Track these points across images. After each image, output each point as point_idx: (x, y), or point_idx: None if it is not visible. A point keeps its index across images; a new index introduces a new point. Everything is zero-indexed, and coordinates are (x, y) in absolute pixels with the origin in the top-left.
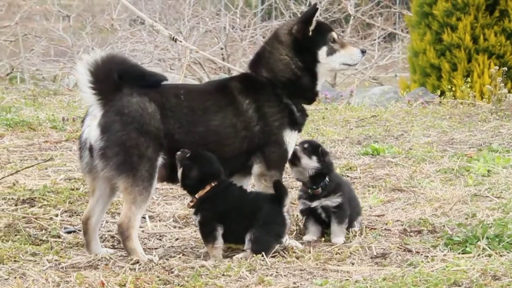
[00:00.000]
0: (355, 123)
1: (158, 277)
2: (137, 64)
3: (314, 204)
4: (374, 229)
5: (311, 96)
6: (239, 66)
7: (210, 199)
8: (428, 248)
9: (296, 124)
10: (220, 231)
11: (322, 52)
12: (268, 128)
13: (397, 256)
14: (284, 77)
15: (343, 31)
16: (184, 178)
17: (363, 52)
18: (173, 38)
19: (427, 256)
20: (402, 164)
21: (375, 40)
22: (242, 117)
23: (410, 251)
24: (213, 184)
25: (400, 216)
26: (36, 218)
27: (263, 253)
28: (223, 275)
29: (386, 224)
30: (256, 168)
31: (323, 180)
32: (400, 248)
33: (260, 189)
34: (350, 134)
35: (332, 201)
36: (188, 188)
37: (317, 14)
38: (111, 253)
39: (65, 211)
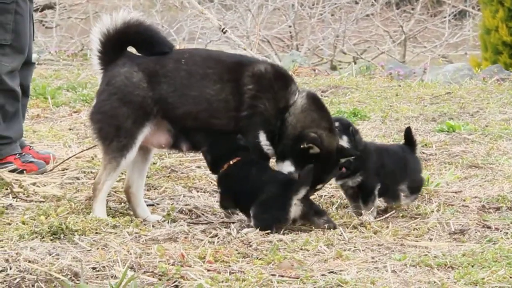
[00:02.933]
0: (429, 100)
1: (236, 250)
2: (150, 34)
3: (339, 182)
4: (452, 205)
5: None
6: (307, 44)
7: (225, 177)
8: (508, 225)
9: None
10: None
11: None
12: (253, 118)
13: (476, 232)
14: (295, 131)
15: (412, 9)
16: (206, 157)
17: None
18: (222, 30)
19: (507, 233)
20: (478, 141)
21: (445, 17)
22: (237, 97)
23: (489, 227)
24: (231, 162)
25: (478, 193)
26: (115, 192)
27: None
28: (301, 249)
29: (464, 200)
30: None
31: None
32: (479, 225)
33: None
34: (424, 111)
35: (353, 181)
36: (210, 165)
37: None
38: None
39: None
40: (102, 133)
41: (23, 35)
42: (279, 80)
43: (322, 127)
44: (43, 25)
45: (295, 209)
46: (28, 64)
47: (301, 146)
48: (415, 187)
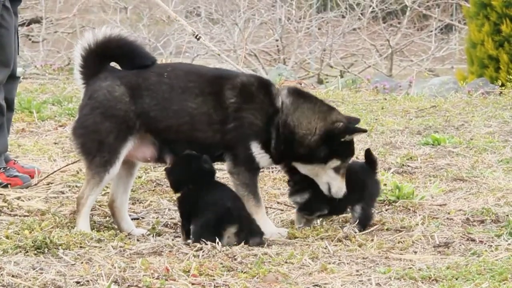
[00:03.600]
0: (414, 114)
1: (221, 263)
2: (131, 48)
3: (291, 198)
4: (437, 218)
5: (285, 157)
6: (294, 58)
7: (180, 201)
8: (492, 238)
9: (268, 151)
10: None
11: (332, 163)
12: (241, 130)
13: (460, 245)
14: (295, 128)
15: (399, 23)
16: (168, 177)
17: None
18: (196, 36)
19: (491, 246)
20: (463, 154)
21: (431, 31)
22: (221, 110)
23: (473, 240)
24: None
25: (463, 206)
26: (100, 206)
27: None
28: (286, 262)
29: (449, 213)
30: (227, 165)
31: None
32: (463, 238)
33: (233, 187)
34: (410, 124)
35: (301, 197)
36: (171, 186)
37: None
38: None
39: (129, 199)
40: (84, 148)
41: (8, 49)
42: (260, 88)
43: (335, 115)
44: (30, 39)
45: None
46: (12, 78)
47: (342, 140)
48: (367, 210)
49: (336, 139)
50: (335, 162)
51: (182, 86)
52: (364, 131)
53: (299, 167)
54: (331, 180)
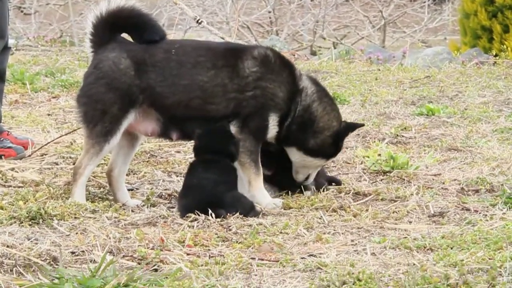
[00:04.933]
0: (408, 84)
1: (216, 234)
2: (142, 20)
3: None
4: (431, 188)
5: (289, 138)
6: (287, 30)
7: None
8: (487, 207)
9: (280, 125)
10: None
11: (330, 160)
12: (261, 100)
13: (455, 214)
14: (310, 117)
15: None
16: (195, 140)
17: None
18: (197, 21)
19: (486, 215)
20: (457, 124)
21: (424, 2)
22: (238, 79)
23: (468, 209)
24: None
25: (457, 176)
26: (94, 177)
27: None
28: (281, 232)
29: (443, 183)
30: (232, 131)
31: None
32: (458, 207)
33: None
34: (404, 95)
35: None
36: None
37: None
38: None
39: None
40: (87, 116)
41: (2, 19)
42: (283, 63)
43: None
44: (22, 11)
45: None
46: (4, 48)
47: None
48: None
49: (341, 139)
50: (330, 160)
51: (192, 61)
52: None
53: (293, 153)
54: (312, 173)
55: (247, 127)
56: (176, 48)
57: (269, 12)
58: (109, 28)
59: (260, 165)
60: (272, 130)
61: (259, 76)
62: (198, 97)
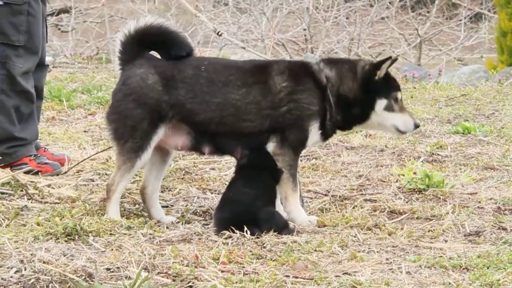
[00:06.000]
0: (444, 102)
1: (250, 251)
2: (170, 37)
3: None
4: (467, 207)
5: (346, 124)
6: (322, 47)
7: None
8: None
9: (322, 128)
10: None
11: (381, 104)
12: (297, 112)
13: (491, 234)
14: (344, 92)
15: (428, 12)
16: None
17: (417, 126)
18: (217, 33)
19: None
20: (494, 143)
21: (461, 20)
22: (271, 96)
23: (504, 229)
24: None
25: (494, 195)
26: (129, 193)
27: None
28: (315, 250)
29: (479, 202)
30: (271, 146)
31: None
32: (494, 226)
33: None
34: (439, 113)
35: None
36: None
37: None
38: (201, 227)
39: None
40: (117, 133)
41: (36, 36)
42: (305, 70)
43: (362, 62)
44: (59, 29)
45: None
46: (41, 66)
47: (376, 78)
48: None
49: (371, 81)
50: (383, 102)
51: (223, 79)
52: (391, 58)
53: (358, 128)
54: (392, 121)
55: (286, 141)
56: (205, 65)
57: (304, 29)
58: (137, 45)
59: (298, 181)
60: (314, 137)
61: (290, 90)
62: (231, 115)
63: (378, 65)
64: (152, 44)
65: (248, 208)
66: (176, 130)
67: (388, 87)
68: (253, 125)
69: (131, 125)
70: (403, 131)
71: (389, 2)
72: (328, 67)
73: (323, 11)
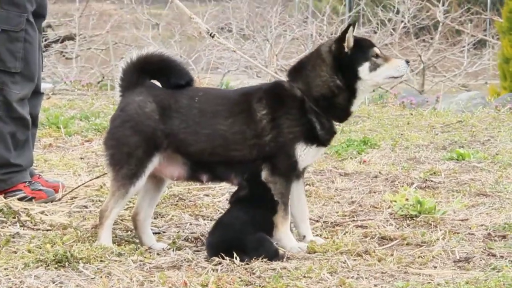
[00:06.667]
0: (440, 129)
1: (240, 278)
2: (170, 65)
3: None
4: (458, 233)
5: (342, 114)
6: None
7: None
8: None
9: (315, 140)
10: None
11: (364, 69)
12: (281, 139)
13: (481, 260)
14: (319, 93)
15: (431, 38)
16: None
17: (408, 62)
18: (210, 34)
19: None
20: (487, 169)
21: (464, 47)
22: (254, 125)
23: (494, 255)
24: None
25: (485, 221)
26: (121, 220)
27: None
28: (304, 276)
29: (470, 228)
30: (263, 173)
31: None
32: (484, 253)
33: None
34: (435, 140)
35: None
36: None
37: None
38: (191, 254)
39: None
40: (113, 159)
41: (32, 63)
42: (278, 90)
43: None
44: (64, 55)
45: None
46: (37, 93)
47: (346, 51)
48: None
49: (343, 57)
50: (365, 67)
51: (211, 110)
52: (350, 25)
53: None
54: (384, 74)
55: (276, 170)
56: (199, 96)
57: None
58: (137, 72)
59: (289, 209)
60: (307, 157)
61: (270, 117)
62: (220, 146)
63: (342, 38)
64: (153, 72)
65: (237, 234)
66: (172, 161)
67: (361, 50)
68: (242, 154)
69: (127, 152)
70: (399, 76)
71: (393, 29)
72: (296, 79)
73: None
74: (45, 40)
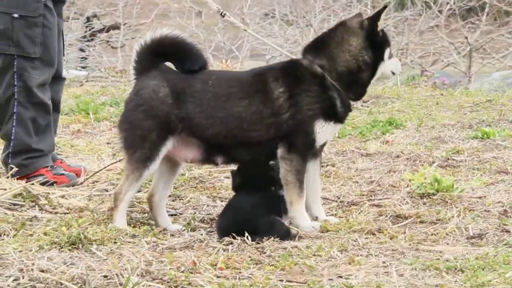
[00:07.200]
0: (469, 108)
1: (249, 257)
2: (184, 48)
3: None
4: (473, 210)
5: (360, 92)
6: None
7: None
8: None
9: (334, 117)
10: None
11: (387, 53)
12: (300, 116)
13: (494, 236)
14: (345, 67)
15: (478, 20)
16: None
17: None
18: (221, 14)
19: None
20: (511, 147)
21: None
22: (270, 104)
23: (508, 231)
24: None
25: (502, 198)
26: (139, 202)
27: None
28: (314, 255)
29: (486, 205)
30: (279, 151)
31: None
32: (498, 229)
33: (281, 173)
34: (462, 119)
35: None
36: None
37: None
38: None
39: (170, 196)
40: (127, 142)
41: (51, 48)
42: (296, 68)
43: (354, 19)
44: (109, 45)
45: None
46: (58, 79)
47: (379, 30)
48: None
49: (376, 34)
50: (388, 50)
51: (226, 93)
52: (384, 7)
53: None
54: (390, 66)
55: (294, 147)
56: (213, 79)
57: None
58: (152, 55)
59: (304, 187)
60: (324, 134)
61: (288, 95)
62: (237, 127)
63: (378, 17)
64: (167, 55)
65: (248, 216)
66: (186, 144)
67: (386, 35)
68: (260, 134)
69: (141, 135)
70: (397, 73)
71: (438, 11)
72: (317, 55)
73: None
74: (90, 30)
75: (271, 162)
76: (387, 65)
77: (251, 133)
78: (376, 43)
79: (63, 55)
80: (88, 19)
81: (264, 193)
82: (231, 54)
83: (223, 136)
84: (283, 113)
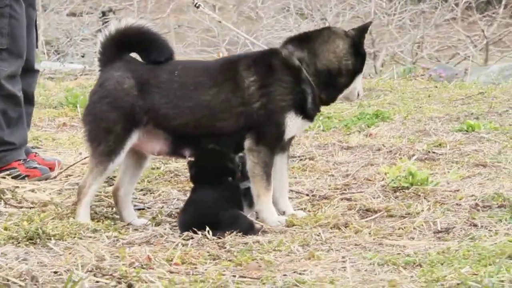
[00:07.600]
0: (461, 101)
1: (208, 252)
2: (150, 39)
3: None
4: (444, 204)
5: (333, 96)
6: (385, 51)
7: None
8: (496, 223)
9: (303, 112)
10: None
11: (362, 72)
12: (271, 106)
13: (461, 230)
14: (325, 66)
15: (495, 13)
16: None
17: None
18: (195, 5)
19: (491, 230)
20: (494, 140)
21: None
22: (240, 92)
23: (475, 225)
24: None
25: (475, 191)
26: (106, 196)
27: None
28: (274, 250)
29: (459, 199)
30: (247, 143)
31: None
32: (466, 223)
33: (248, 165)
34: (451, 112)
35: (242, 184)
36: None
37: None
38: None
39: (141, 189)
40: (91, 135)
41: (20, 40)
42: (272, 59)
43: (340, 29)
44: None
45: None
46: (31, 71)
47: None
48: None
49: (361, 44)
50: (363, 66)
51: (193, 82)
52: (370, 22)
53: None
54: (359, 85)
55: (262, 139)
56: (179, 69)
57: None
58: (116, 46)
59: (272, 180)
60: (293, 128)
61: (260, 84)
62: (205, 116)
63: (365, 30)
64: (131, 46)
65: (210, 211)
66: (153, 136)
67: (365, 54)
68: (228, 124)
69: (105, 128)
70: (360, 96)
71: (455, 4)
72: (298, 47)
73: (387, 15)
74: (104, 24)
75: (240, 154)
76: (359, 83)
77: (220, 123)
78: (360, 54)
79: (36, 47)
80: (103, 13)
81: (225, 185)
82: (245, 47)
83: (191, 126)
84: (254, 102)
